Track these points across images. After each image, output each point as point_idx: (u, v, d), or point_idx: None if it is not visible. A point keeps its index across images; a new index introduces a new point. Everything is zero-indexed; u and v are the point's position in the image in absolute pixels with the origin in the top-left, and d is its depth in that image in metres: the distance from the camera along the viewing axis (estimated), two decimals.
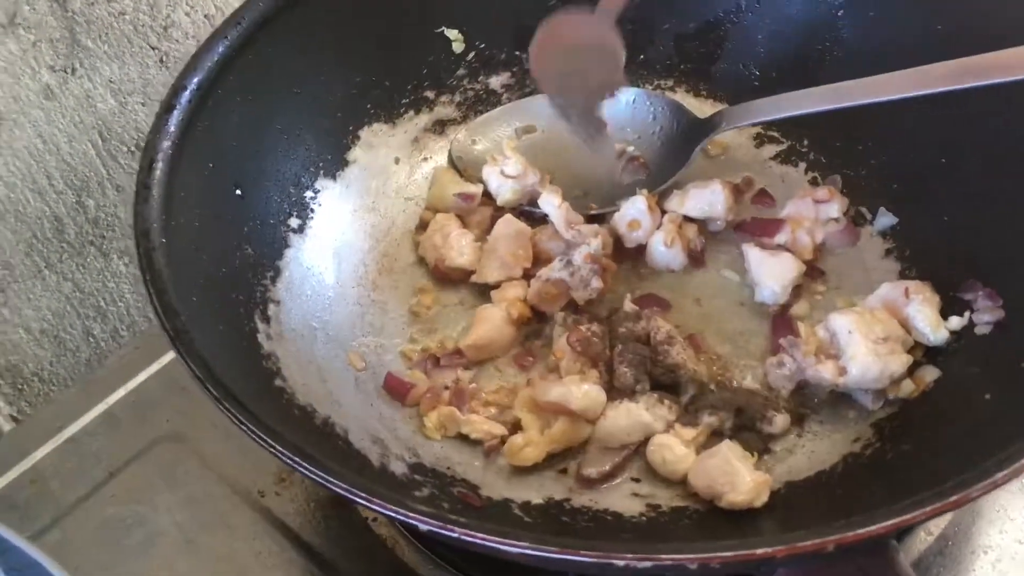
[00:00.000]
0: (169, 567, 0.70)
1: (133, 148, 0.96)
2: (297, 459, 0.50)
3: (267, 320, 0.70)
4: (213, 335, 0.62)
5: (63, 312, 0.98)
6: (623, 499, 0.66)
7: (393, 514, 0.48)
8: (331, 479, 0.49)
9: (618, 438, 0.67)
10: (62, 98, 0.88)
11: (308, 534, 0.71)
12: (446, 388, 0.72)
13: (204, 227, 0.69)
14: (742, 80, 0.89)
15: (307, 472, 0.50)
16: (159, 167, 0.66)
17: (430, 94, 0.88)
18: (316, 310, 0.75)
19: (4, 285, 0.93)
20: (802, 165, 0.85)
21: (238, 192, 0.74)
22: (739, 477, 0.62)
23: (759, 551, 0.45)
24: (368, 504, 0.48)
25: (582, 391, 0.67)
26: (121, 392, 0.81)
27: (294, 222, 0.78)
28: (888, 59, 0.74)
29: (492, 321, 0.74)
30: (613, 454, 0.67)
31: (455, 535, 0.46)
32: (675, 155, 0.83)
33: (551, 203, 0.78)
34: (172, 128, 0.68)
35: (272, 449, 0.50)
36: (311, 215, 0.79)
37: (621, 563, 0.45)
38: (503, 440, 0.68)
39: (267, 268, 0.73)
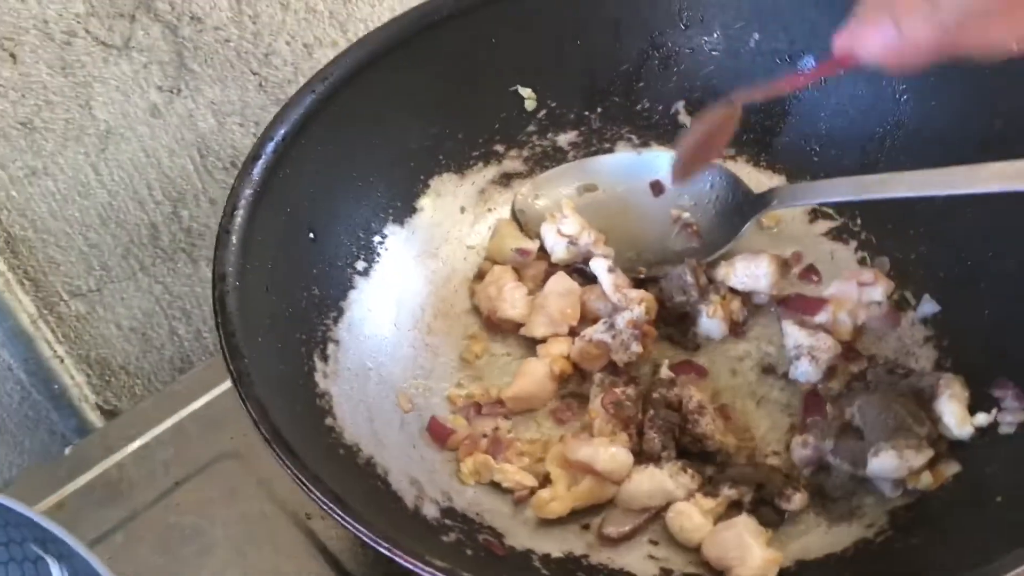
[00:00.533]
0: None
1: (228, 165, 1.03)
2: (331, 505, 0.55)
3: (325, 359, 0.75)
4: (273, 374, 0.67)
5: (152, 312, 1.06)
6: (639, 560, 0.69)
7: (412, 567, 0.52)
8: (360, 527, 0.54)
9: (640, 501, 0.71)
10: (167, 116, 0.96)
11: (347, 560, 0.76)
12: (484, 436, 0.76)
13: (276, 269, 0.74)
14: (802, 154, 0.91)
15: (339, 518, 0.55)
16: (240, 214, 0.72)
17: (500, 148, 0.93)
18: (373, 351, 0.80)
19: (101, 284, 1.01)
20: (853, 243, 0.87)
21: (311, 235, 0.79)
22: (750, 553, 0.65)
23: None
24: (390, 554, 0.53)
25: (609, 453, 0.70)
26: (194, 406, 0.88)
27: (360, 265, 0.83)
28: (947, 148, 0.76)
29: (535, 375, 0.78)
30: (634, 516, 0.71)
31: None
32: (727, 226, 0.86)
33: (601, 267, 0.82)
34: (256, 176, 0.75)
35: (310, 494, 0.56)
36: (377, 259, 0.85)
37: None
38: (532, 491, 0.73)
39: (331, 308, 0.79)
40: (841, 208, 0.89)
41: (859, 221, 0.88)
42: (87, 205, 0.98)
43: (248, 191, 0.74)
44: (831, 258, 0.87)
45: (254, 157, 0.75)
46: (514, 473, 0.73)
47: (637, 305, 0.78)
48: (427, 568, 0.52)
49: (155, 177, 0.98)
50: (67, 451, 0.86)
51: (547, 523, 0.71)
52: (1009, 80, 0.76)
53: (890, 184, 0.77)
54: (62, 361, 1.05)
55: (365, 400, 0.76)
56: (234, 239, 0.71)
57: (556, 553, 0.69)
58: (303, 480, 0.56)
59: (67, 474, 0.83)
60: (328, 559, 0.76)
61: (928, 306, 0.80)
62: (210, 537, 0.78)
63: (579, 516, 0.72)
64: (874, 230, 0.87)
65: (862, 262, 0.85)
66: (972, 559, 0.56)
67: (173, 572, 0.76)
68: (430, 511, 0.70)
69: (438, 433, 0.76)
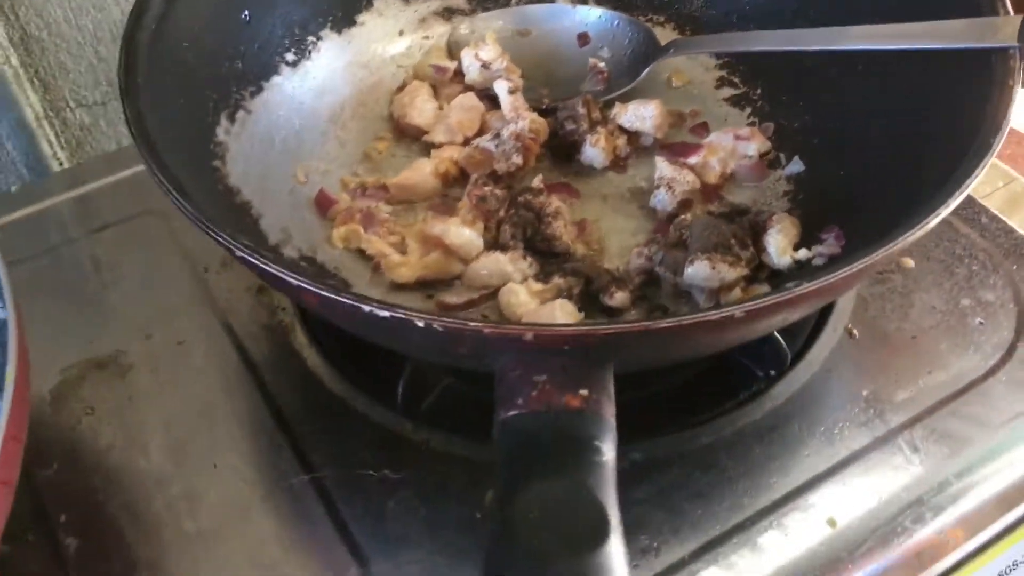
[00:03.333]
0: (112, 313, 0.85)
1: None
2: (175, 195, 0.63)
3: (233, 121, 0.83)
4: (168, 116, 0.74)
5: None
6: None
7: (248, 256, 0.59)
8: (193, 212, 0.62)
9: (482, 280, 0.78)
10: None
11: (232, 315, 0.83)
12: (361, 211, 0.84)
13: (202, 34, 0.82)
14: (727, 28, 0.97)
15: (182, 207, 0.62)
16: None
17: None
18: (282, 127, 0.87)
19: (107, 99, 1.15)
20: (748, 110, 0.92)
21: (246, 16, 0.87)
22: None
23: (471, 325, 0.55)
24: (226, 244, 0.60)
25: (459, 231, 0.78)
26: (135, 168, 0.97)
27: (290, 57, 0.91)
28: (862, 17, 0.80)
29: (421, 170, 0.86)
30: (473, 291, 0.78)
31: (293, 282, 0.57)
32: (632, 73, 0.93)
33: (503, 88, 0.89)
34: None
35: (156, 179, 0.64)
36: (308, 56, 0.92)
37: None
38: None
39: (251, 84, 0.87)
40: (746, 78, 0.94)
41: (759, 91, 0.93)
42: (100, 19, 1.07)
43: None
44: (725, 120, 0.92)
45: None
46: (378, 243, 0.81)
47: (523, 120, 0.85)
48: (263, 263, 0.57)
49: None
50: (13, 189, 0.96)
51: (396, 288, 0.79)
52: None
53: (766, 38, 0.83)
54: (61, 164, 1.15)
55: (264, 160, 0.84)
56: None
57: None
58: (155, 171, 0.64)
59: (9, 206, 0.94)
60: (215, 310, 0.84)
61: (795, 166, 0.86)
62: (119, 272, 0.88)
63: (427, 288, 0.80)
64: (770, 100, 0.92)
65: (751, 126, 0.91)
66: None
67: (71, 303, 0.85)
68: (290, 252, 0.78)
69: (323, 202, 0.84)
